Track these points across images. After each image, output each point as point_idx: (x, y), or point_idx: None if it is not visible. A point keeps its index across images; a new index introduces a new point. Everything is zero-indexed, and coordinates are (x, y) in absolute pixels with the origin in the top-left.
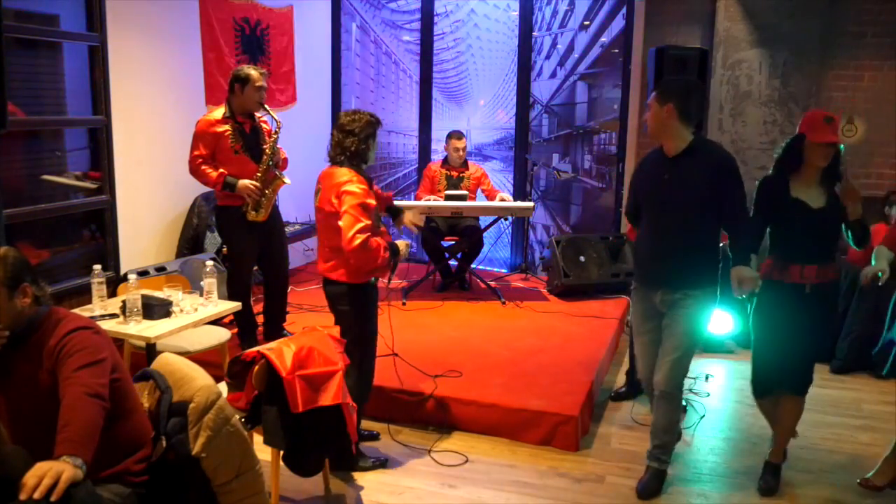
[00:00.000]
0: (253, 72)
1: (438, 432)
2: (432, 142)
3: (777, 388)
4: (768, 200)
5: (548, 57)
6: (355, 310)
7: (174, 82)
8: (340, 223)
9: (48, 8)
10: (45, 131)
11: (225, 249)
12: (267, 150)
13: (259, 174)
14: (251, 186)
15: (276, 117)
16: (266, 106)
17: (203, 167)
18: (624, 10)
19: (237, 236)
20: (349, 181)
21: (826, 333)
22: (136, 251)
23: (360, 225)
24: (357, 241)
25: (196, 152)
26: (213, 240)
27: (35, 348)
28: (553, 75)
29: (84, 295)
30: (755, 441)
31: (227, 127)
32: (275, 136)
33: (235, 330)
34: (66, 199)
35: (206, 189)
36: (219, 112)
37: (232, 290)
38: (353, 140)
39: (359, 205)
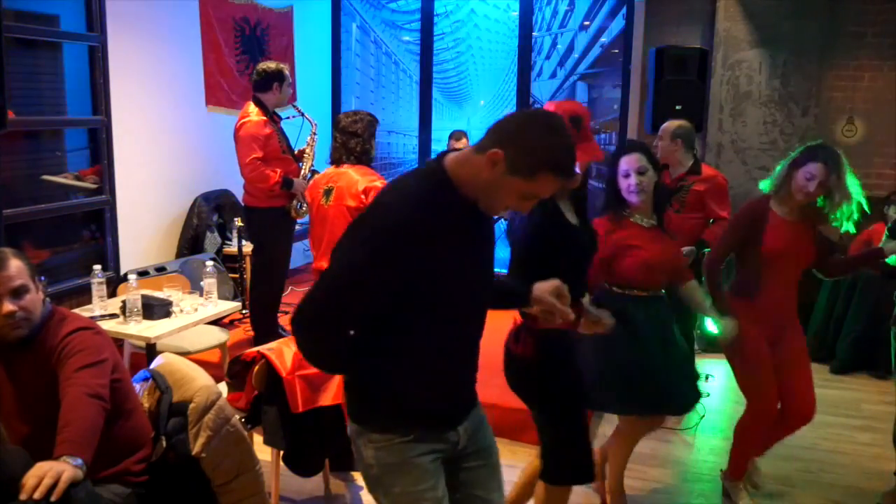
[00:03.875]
0: (285, 68)
1: None
2: (432, 142)
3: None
4: None
5: (548, 57)
6: None
7: (174, 82)
8: None
9: (48, 8)
10: (45, 131)
11: (246, 251)
12: (308, 151)
13: (305, 172)
14: (305, 184)
15: (311, 118)
16: (296, 105)
17: (264, 169)
18: (624, 11)
19: (283, 237)
20: (376, 178)
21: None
22: (136, 251)
23: None
24: None
25: (254, 155)
26: (212, 240)
27: (39, 348)
28: (553, 75)
29: (84, 295)
30: None
31: (273, 128)
32: (315, 136)
33: (236, 330)
34: (65, 199)
35: (206, 189)
36: (254, 112)
37: (265, 296)
38: (357, 141)
39: None
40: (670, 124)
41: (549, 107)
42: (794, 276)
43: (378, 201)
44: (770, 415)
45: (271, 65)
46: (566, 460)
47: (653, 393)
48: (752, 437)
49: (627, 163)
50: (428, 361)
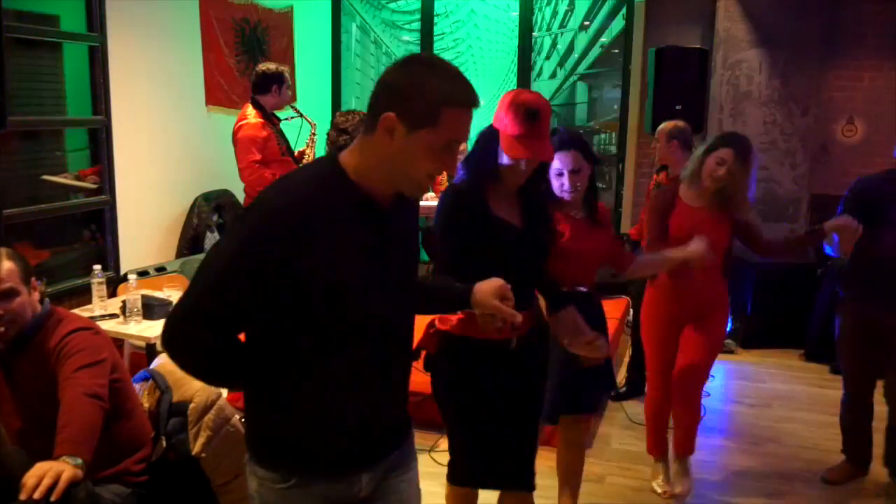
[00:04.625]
0: (285, 70)
1: (438, 432)
2: None
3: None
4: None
5: (548, 57)
6: None
7: (174, 82)
8: None
9: (48, 8)
10: (45, 131)
11: None
12: (308, 152)
13: None
14: None
15: (310, 119)
16: (294, 105)
17: (263, 172)
18: (624, 11)
19: None
20: None
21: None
22: (136, 251)
23: None
24: None
25: (252, 158)
26: (213, 240)
27: (37, 348)
28: (553, 76)
29: (84, 295)
30: (755, 441)
31: (271, 130)
32: (315, 137)
33: None
34: (65, 199)
35: (206, 189)
36: (252, 114)
37: None
38: (345, 139)
39: None
40: (665, 126)
41: (509, 94)
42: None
43: (259, 195)
44: (657, 394)
45: (271, 66)
46: (459, 462)
47: (573, 392)
48: (647, 411)
49: (561, 161)
50: (324, 390)
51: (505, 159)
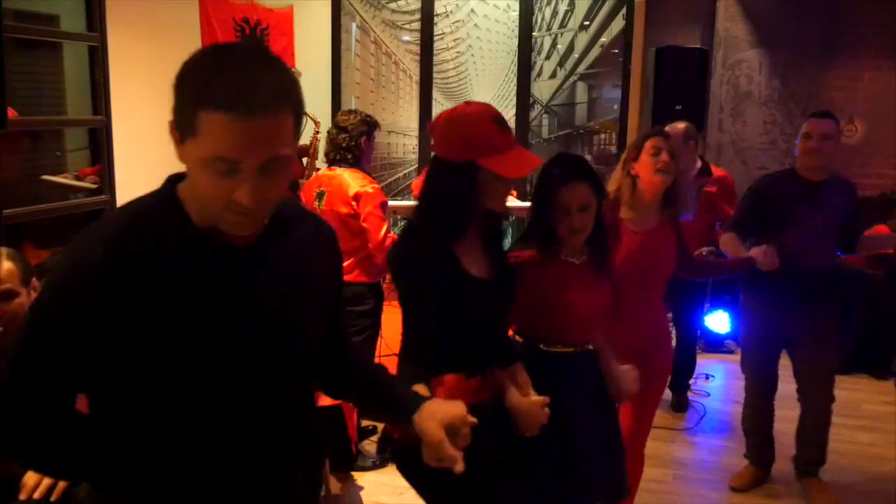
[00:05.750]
0: (294, 71)
1: None
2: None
3: None
4: None
5: (548, 57)
6: (377, 307)
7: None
8: (364, 224)
9: (48, 8)
10: (45, 131)
11: None
12: (311, 150)
13: (310, 171)
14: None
15: (314, 117)
16: None
17: None
18: (624, 10)
19: None
20: (368, 183)
21: None
22: None
23: (386, 225)
24: (389, 241)
25: None
26: None
27: None
28: (553, 75)
29: None
30: None
31: None
32: (319, 135)
33: None
34: (65, 199)
35: None
36: None
37: None
38: (344, 137)
39: (380, 204)
40: (680, 126)
41: (469, 114)
42: (655, 295)
43: (70, 241)
44: None
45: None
46: None
47: (571, 478)
48: None
49: (570, 197)
50: (167, 474)
51: (491, 196)
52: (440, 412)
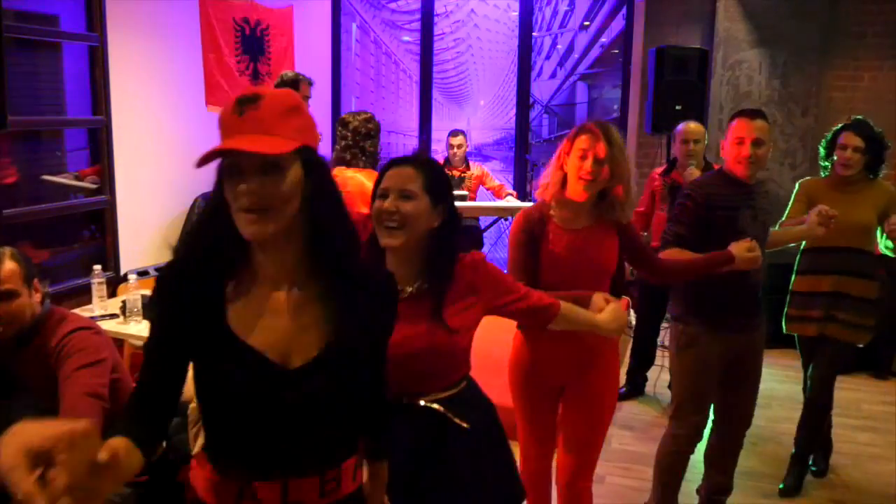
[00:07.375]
0: (302, 80)
1: None
2: (432, 142)
3: None
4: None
5: (548, 57)
6: None
7: (174, 82)
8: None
9: (48, 8)
10: (45, 131)
11: None
12: None
13: None
14: None
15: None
16: None
17: None
18: (624, 11)
19: None
20: None
21: None
22: (136, 251)
23: None
24: None
25: None
26: None
27: (38, 349)
28: (553, 75)
29: (84, 295)
30: (755, 441)
31: None
32: (319, 135)
33: None
34: (65, 199)
35: (206, 189)
36: None
37: None
38: (372, 143)
39: None
40: (697, 127)
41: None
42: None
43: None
44: (531, 466)
45: (290, 74)
46: None
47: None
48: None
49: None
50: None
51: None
52: (29, 432)
